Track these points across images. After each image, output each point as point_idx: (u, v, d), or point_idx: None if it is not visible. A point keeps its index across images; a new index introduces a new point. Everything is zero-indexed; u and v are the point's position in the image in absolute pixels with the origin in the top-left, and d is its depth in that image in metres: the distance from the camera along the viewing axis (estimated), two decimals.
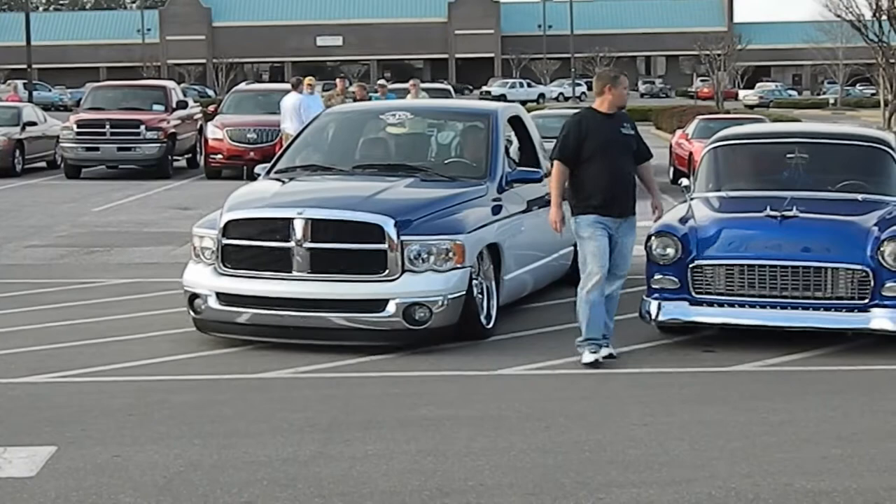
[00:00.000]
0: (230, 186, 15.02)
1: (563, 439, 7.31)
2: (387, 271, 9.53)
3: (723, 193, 10.85)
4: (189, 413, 7.98)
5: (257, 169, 11.83)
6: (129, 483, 6.51)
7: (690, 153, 24.50)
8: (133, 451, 7.07)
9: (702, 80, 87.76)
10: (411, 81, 25.94)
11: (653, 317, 9.93)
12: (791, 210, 9.82)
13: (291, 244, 9.62)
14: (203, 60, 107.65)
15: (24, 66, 55.57)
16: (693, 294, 9.80)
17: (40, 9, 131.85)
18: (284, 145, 22.93)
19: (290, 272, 9.65)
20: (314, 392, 8.55)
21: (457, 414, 7.90)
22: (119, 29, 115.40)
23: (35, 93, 58.12)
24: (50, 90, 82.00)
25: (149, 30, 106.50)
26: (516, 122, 12.09)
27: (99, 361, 9.46)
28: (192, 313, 10.09)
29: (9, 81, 76.49)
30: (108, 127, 27.66)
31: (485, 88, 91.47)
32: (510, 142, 12.13)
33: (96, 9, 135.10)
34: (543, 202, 11.53)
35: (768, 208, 9.87)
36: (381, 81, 28.05)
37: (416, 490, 6.39)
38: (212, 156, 27.70)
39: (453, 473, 6.65)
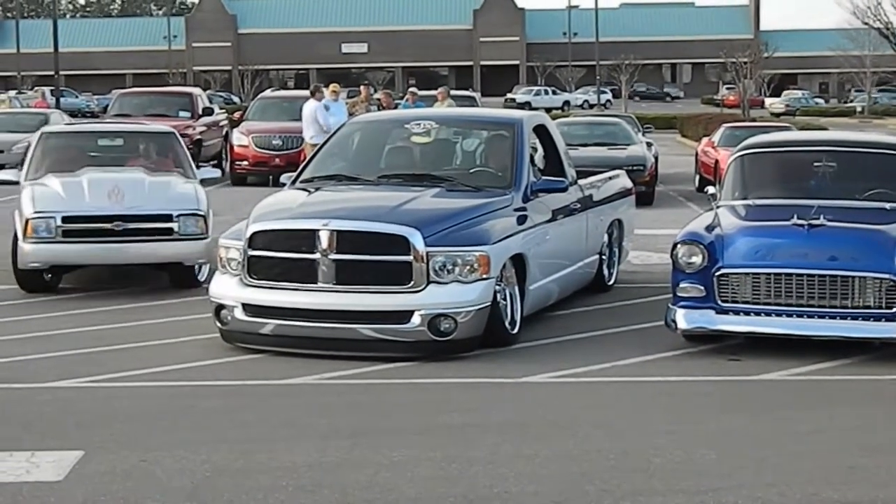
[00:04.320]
0: (256, 193, 15.08)
1: (588, 447, 7.30)
2: (412, 282, 9.54)
3: (749, 202, 10.83)
4: (215, 418, 8.01)
5: (283, 178, 11.88)
6: (157, 488, 6.54)
7: (716, 161, 24.47)
8: (160, 455, 7.10)
9: (728, 88, 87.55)
10: (440, 89, 25.91)
11: (678, 325, 9.92)
12: (818, 219, 9.79)
13: (317, 255, 9.65)
14: (229, 67, 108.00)
15: (52, 73, 55.95)
16: (719, 302, 9.79)
17: (67, 16, 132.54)
18: (307, 153, 23.30)
19: (316, 283, 9.68)
20: (339, 398, 8.57)
21: (482, 421, 7.90)
22: (145, 36, 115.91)
23: (62, 99, 58.50)
24: (77, 97, 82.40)
25: (175, 37, 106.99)
26: (541, 131, 12.08)
27: (125, 367, 9.50)
28: (218, 324, 10.13)
29: (36, 88, 76.93)
30: None
31: (509, 96, 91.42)
32: (535, 150, 12.13)
33: (123, 16, 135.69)
34: (568, 211, 11.55)
35: (795, 217, 9.85)
36: (413, 89, 28.03)
37: (442, 497, 6.39)
38: (237, 162, 27.79)
39: (478, 480, 6.65)
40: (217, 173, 15.81)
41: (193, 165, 14.77)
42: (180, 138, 15.14)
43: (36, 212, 12.80)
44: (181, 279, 13.25)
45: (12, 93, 68.18)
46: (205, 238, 12.99)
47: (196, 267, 13.23)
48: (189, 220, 12.95)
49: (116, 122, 21.69)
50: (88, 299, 12.65)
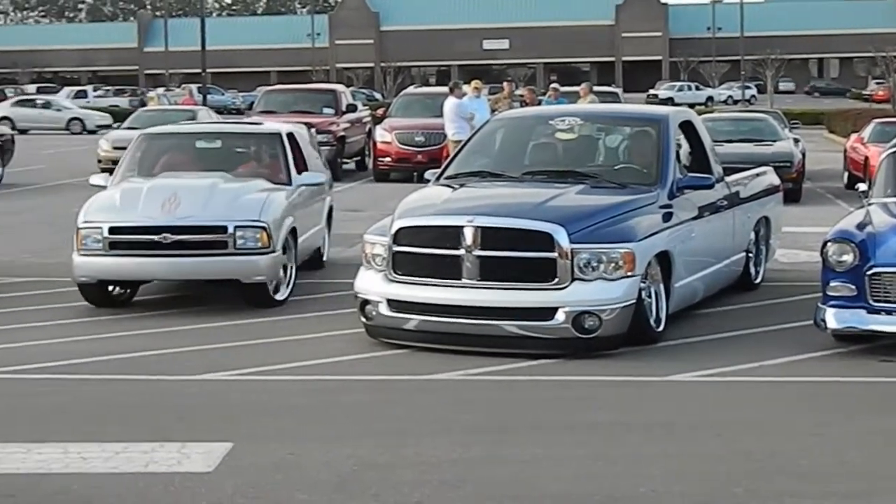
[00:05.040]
0: (398, 189, 15.18)
1: (735, 447, 7.20)
2: (556, 279, 9.52)
3: None
4: (360, 413, 8.09)
5: (427, 174, 11.94)
6: (304, 481, 6.62)
7: (866, 157, 23.94)
8: (307, 448, 7.19)
9: (877, 83, 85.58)
10: (583, 85, 25.79)
11: (828, 325, 9.73)
12: None
13: (461, 251, 9.68)
14: (371, 64, 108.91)
15: (199, 71, 57.06)
16: (870, 302, 9.58)
17: (214, 14, 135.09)
18: (449, 150, 23.37)
19: (460, 279, 9.70)
20: (483, 394, 8.59)
21: (627, 419, 7.85)
22: (289, 34, 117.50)
23: (209, 96, 59.64)
24: (223, 94, 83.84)
25: (318, 34, 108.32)
26: (687, 127, 11.95)
27: (271, 360, 9.63)
28: (363, 319, 10.22)
29: (184, 85, 78.52)
30: None
31: (652, 91, 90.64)
32: (681, 146, 12.00)
33: (268, 14, 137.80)
34: (714, 208, 11.41)
35: None
36: (555, 85, 27.95)
37: (587, 495, 6.36)
38: (380, 159, 28.01)
39: (624, 479, 6.61)
40: (320, 178, 13.83)
41: (294, 169, 13.10)
42: (287, 139, 13.41)
43: (85, 221, 11.74)
44: (250, 297, 11.83)
45: (161, 90, 69.79)
46: (268, 252, 11.58)
47: (272, 283, 11.81)
48: (248, 233, 11.51)
49: (261, 118, 21.63)
50: (230, 294, 12.75)
